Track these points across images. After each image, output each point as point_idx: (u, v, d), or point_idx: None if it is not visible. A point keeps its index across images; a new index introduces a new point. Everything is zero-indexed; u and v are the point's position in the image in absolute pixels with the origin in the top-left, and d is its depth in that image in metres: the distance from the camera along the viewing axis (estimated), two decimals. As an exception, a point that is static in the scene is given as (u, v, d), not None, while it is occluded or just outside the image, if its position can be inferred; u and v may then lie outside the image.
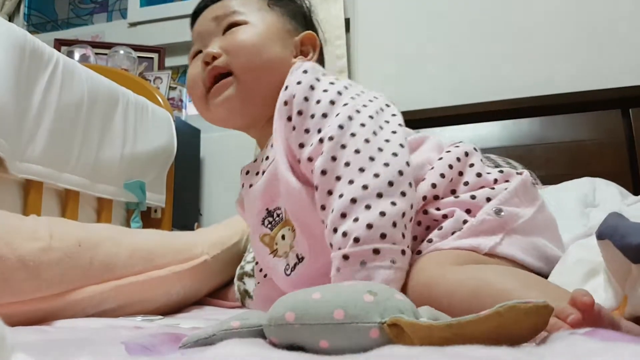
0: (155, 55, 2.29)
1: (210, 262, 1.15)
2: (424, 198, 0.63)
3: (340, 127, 0.61)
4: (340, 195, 0.57)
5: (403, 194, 0.57)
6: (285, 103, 0.67)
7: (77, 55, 2.01)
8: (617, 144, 1.46)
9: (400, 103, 0.73)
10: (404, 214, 0.56)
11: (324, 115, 0.64)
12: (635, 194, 1.12)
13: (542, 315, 0.35)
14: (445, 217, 0.62)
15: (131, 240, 0.98)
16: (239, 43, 0.74)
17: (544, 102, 1.57)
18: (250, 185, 0.75)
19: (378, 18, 1.99)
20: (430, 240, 0.60)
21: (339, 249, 0.56)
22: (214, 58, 0.74)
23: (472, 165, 0.67)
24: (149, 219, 1.68)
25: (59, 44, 2.22)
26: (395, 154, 0.59)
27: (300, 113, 0.65)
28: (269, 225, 0.73)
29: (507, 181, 0.65)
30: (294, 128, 0.65)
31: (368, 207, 0.56)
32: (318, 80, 0.68)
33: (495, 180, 0.65)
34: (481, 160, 0.68)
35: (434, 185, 0.63)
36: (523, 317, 0.34)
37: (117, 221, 1.52)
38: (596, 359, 0.29)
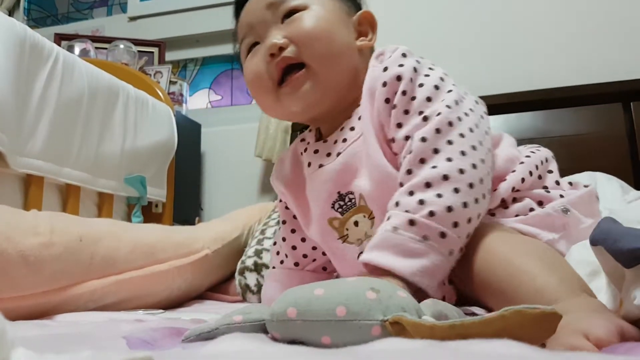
0: (155, 50, 2.28)
1: (211, 256, 1.15)
2: (513, 189, 0.65)
3: (449, 107, 0.60)
4: (434, 167, 0.56)
5: (484, 196, 0.58)
6: (385, 84, 0.65)
7: (77, 50, 2.01)
8: (618, 137, 1.45)
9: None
10: (478, 216, 0.57)
11: (428, 99, 0.62)
12: (637, 187, 1.12)
13: (549, 322, 0.35)
14: (514, 200, 0.64)
15: (132, 235, 0.98)
16: (308, 30, 0.69)
17: (544, 95, 1.56)
18: (320, 165, 0.72)
19: (378, 18, 1.97)
20: (493, 214, 0.62)
21: (407, 211, 0.55)
22: (281, 49, 0.69)
23: (550, 171, 0.70)
24: (150, 214, 1.68)
25: (59, 38, 2.22)
26: (485, 157, 0.60)
27: (404, 93, 0.64)
28: (340, 210, 0.70)
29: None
30: (394, 106, 0.64)
31: (456, 190, 0.55)
32: (419, 62, 0.67)
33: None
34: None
35: (522, 180, 0.65)
36: (529, 322, 0.34)
37: (118, 216, 1.52)
38: None
